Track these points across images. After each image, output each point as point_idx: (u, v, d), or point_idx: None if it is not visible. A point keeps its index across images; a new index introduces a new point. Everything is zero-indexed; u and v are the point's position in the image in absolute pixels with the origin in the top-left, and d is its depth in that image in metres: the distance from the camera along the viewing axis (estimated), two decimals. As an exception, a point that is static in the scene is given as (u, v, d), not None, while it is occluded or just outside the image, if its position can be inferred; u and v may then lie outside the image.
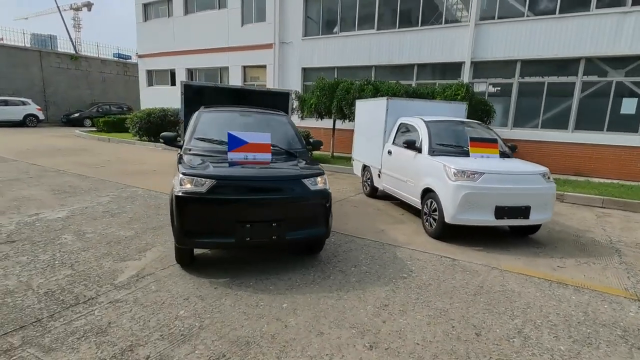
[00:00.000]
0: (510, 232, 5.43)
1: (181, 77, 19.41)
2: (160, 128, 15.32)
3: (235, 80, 17.69)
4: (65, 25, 38.63)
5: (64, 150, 12.34)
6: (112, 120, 18.96)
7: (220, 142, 4.21)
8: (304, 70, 15.86)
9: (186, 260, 3.73)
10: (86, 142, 15.38)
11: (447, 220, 4.68)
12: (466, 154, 5.22)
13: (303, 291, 3.41)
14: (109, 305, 3.02)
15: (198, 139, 4.24)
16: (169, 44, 19.55)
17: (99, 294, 3.20)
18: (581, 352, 2.67)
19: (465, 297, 3.41)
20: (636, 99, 10.65)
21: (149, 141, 15.13)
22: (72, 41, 32.59)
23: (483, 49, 12.21)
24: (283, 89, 5.80)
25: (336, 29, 15.04)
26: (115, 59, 29.14)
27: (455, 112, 6.99)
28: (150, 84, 21.48)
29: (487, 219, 4.60)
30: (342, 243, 4.70)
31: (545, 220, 4.95)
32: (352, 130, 12.37)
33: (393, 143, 6.32)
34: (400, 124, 6.31)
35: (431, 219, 5.01)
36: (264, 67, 16.76)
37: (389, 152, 6.30)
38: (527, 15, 11.67)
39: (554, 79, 11.60)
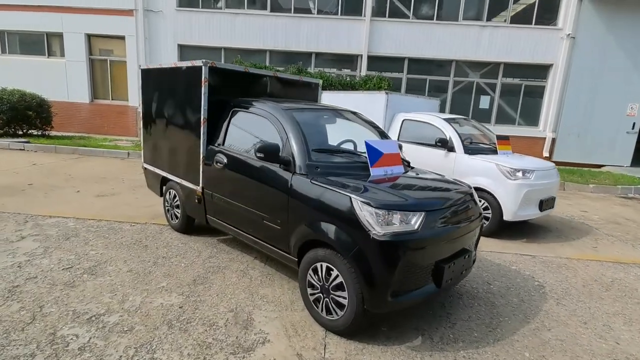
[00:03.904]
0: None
1: (-26, 40, 13.44)
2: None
3: (76, 53, 13.42)
4: None
5: None
6: None
7: (344, 153, 3.09)
8: (181, 47, 13.37)
9: (365, 328, 2.59)
10: None
11: (506, 217, 4.81)
12: (492, 151, 5.44)
13: (504, 334, 2.86)
14: None
15: (317, 150, 2.94)
16: (-55, -11, 13.13)
17: None
18: None
19: (611, 296, 3.57)
20: (489, 97, 13.43)
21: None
22: None
23: (377, 44, 12.96)
24: (311, 79, 4.70)
25: (221, 3, 13.18)
26: None
27: (432, 107, 7.19)
28: None
29: (536, 212, 4.95)
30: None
31: (553, 208, 5.70)
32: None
33: (399, 140, 6.01)
34: (404, 120, 6.05)
35: (480, 218, 5.04)
36: (122, 38, 13.30)
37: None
38: (412, 18, 12.99)
39: (433, 76, 13.40)
